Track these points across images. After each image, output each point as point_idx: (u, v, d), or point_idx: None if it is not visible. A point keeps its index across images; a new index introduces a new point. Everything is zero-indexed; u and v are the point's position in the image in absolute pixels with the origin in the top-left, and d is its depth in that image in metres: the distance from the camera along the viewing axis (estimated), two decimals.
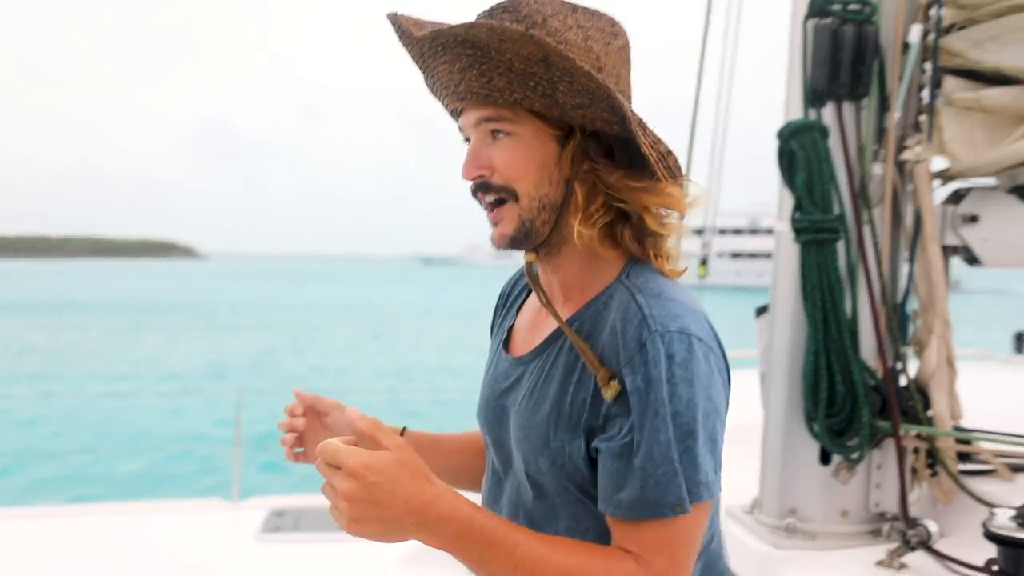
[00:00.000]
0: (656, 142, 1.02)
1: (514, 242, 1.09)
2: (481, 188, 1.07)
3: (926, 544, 1.65)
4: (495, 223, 1.09)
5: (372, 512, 0.92)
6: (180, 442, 12.85)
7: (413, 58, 1.12)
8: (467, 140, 1.11)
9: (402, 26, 1.07)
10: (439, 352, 27.42)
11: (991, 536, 1.40)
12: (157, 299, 58.04)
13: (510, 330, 1.25)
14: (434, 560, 3.75)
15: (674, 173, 1.04)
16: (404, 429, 1.20)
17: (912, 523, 1.71)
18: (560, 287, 1.13)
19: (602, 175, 1.05)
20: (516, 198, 1.06)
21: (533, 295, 1.24)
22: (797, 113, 1.89)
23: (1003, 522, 1.41)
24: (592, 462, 1.02)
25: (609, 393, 1.00)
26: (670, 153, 1.03)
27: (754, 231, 79.79)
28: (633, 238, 1.07)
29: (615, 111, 0.99)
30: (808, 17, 1.85)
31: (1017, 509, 1.42)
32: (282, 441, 1.29)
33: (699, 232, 4.09)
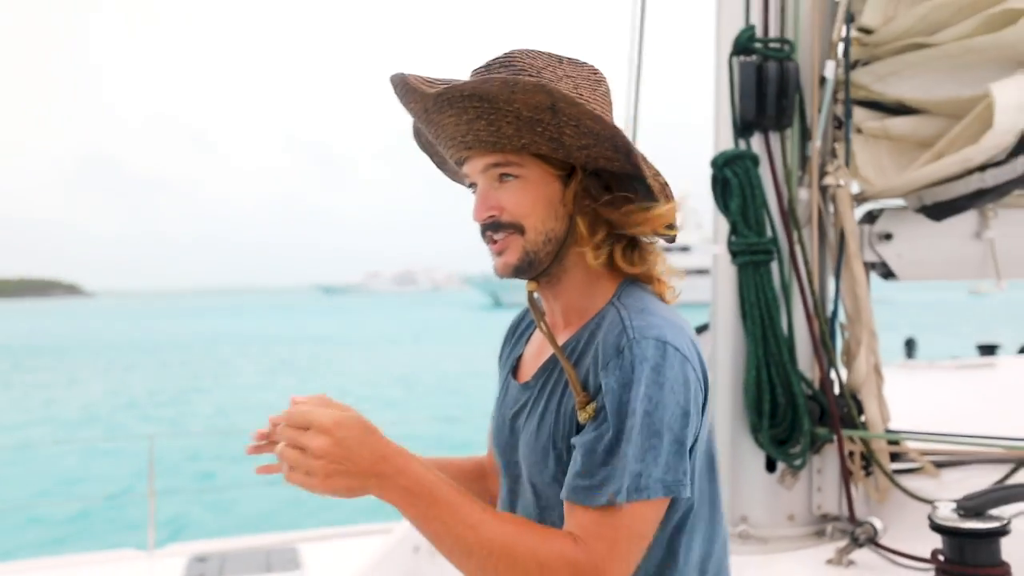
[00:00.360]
0: (656, 174, 1.13)
1: (517, 271, 1.18)
2: (491, 228, 1.17)
3: (873, 540, 1.78)
4: (499, 253, 1.18)
5: (343, 466, 1.00)
6: (89, 492, 12.24)
7: (416, 113, 1.20)
8: (470, 186, 1.21)
9: (411, 84, 1.14)
10: (359, 382, 26.96)
11: (936, 528, 1.53)
12: (45, 340, 54.75)
13: (519, 359, 1.33)
14: None
15: (670, 200, 1.14)
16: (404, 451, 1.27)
17: (858, 522, 1.84)
18: (562, 313, 1.22)
19: (601, 208, 1.15)
20: (523, 232, 1.16)
21: (537, 331, 1.33)
22: (728, 143, 2.02)
23: (946, 514, 1.54)
24: None
25: (583, 416, 1.09)
26: (667, 184, 1.14)
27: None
28: (627, 262, 1.17)
29: (620, 149, 1.10)
30: (733, 54, 1.99)
31: (958, 502, 1.56)
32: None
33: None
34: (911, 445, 2.04)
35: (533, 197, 1.15)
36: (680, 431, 1.04)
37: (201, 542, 4.57)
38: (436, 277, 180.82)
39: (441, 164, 1.36)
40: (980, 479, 1.94)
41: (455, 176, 1.34)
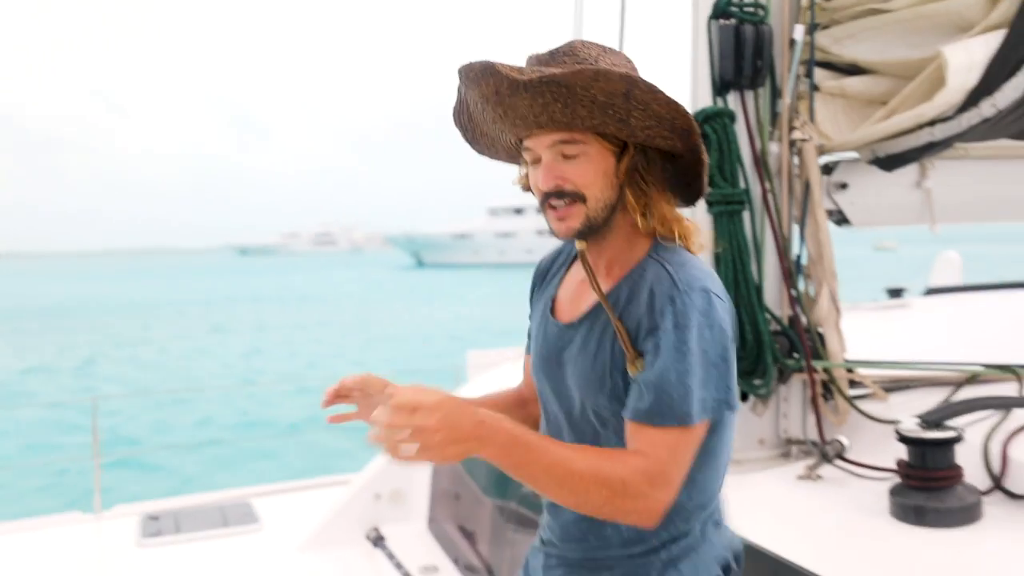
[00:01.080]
0: (705, 156, 1.33)
1: (580, 234, 1.36)
2: (556, 195, 1.34)
3: (841, 455, 2.01)
4: (561, 219, 1.35)
5: (452, 435, 1.17)
6: (26, 457, 11.83)
7: (484, 95, 1.35)
8: (530, 162, 1.38)
9: (496, 69, 1.29)
10: (283, 343, 26.57)
11: (903, 439, 1.76)
12: None
13: (553, 300, 1.48)
14: (334, 542, 3.83)
15: (704, 181, 1.36)
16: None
17: (826, 441, 2.06)
18: (605, 266, 1.40)
19: (646, 180, 1.34)
20: (585, 201, 1.34)
21: (572, 271, 1.50)
22: (706, 100, 2.18)
23: (911, 427, 1.77)
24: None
25: (633, 369, 1.29)
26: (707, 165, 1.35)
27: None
28: (661, 224, 1.36)
29: (677, 131, 1.29)
30: (712, 17, 2.14)
31: (920, 416, 1.79)
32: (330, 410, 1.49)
33: None
34: (863, 372, 2.28)
35: (594, 170, 1.33)
36: (728, 360, 1.27)
37: (149, 503, 4.54)
38: (356, 237, 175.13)
39: (473, 140, 1.52)
40: (923, 401, 2.19)
41: (487, 151, 1.52)
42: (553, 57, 1.31)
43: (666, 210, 1.35)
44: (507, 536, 3.20)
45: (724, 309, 1.29)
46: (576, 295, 1.45)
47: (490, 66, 1.28)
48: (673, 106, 1.26)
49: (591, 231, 1.35)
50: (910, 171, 2.36)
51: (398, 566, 3.51)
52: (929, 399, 2.20)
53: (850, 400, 2.17)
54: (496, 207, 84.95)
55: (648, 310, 1.28)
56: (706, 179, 1.36)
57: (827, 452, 2.02)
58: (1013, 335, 2.86)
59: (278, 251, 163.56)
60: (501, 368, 4.20)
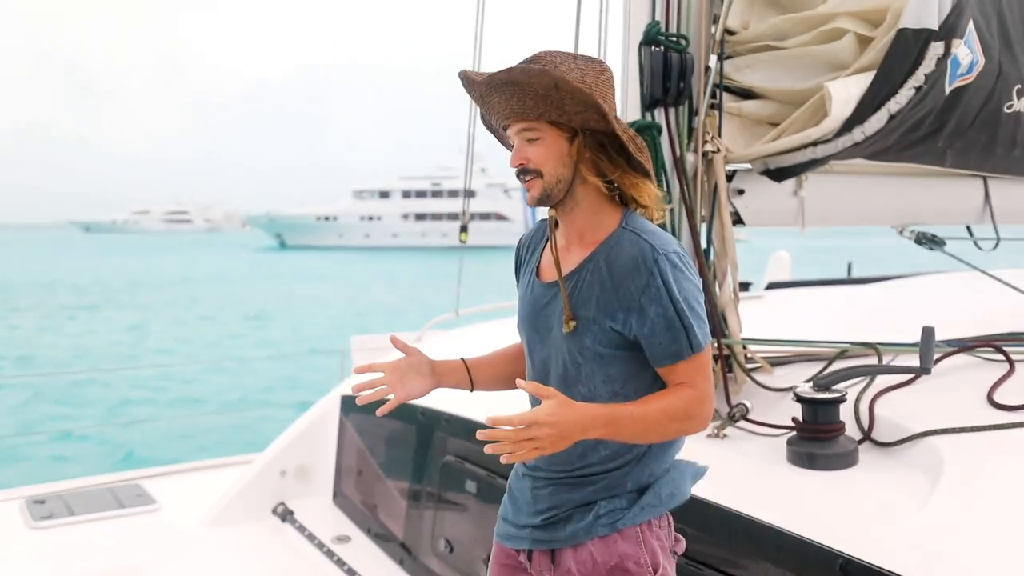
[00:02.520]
0: (627, 130, 1.68)
1: (540, 201, 1.71)
2: (522, 172, 1.70)
3: (745, 417, 2.42)
4: (528, 190, 1.71)
5: (563, 435, 1.52)
6: None
7: (476, 99, 1.75)
8: (509, 146, 1.75)
9: (469, 77, 1.70)
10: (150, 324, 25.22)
11: (799, 399, 2.18)
12: None
13: (538, 265, 1.83)
14: (240, 518, 3.95)
15: (641, 149, 1.69)
16: (462, 359, 1.90)
17: (732, 404, 2.47)
18: (577, 233, 1.75)
19: (598, 159, 1.68)
20: (542, 176, 1.69)
21: (551, 241, 1.82)
22: (636, 114, 2.53)
23: (806, 390, 2.20)
24: (616, 334, 1.66)
25: (567, 328, 1.68)
26: (637, 136, 1.70)
27: (436, 193, 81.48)
28: (628, 197, 1.72)
29: (599, 113, 1.63)
30: (643, 44, 2.49)
31: (813, 380, 2.22)
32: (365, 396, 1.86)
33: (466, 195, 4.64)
34: (752, 349, 2.72)
35: (547, 151, 1.68)
36: (702, 304, 1.68)
37: (29, 487, 4.40)
38: (213, 216, 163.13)
39: (502, 140, 1.88)
40: (800, 374, 2.65)
41: (505, 143, 1.85)
42: (521, 64, 1.65)
43: (626, 180, 1.69)
44: (408, 510, 3.45)
45: (691, 266, 1.68)
46: (558, 257, 1.78)
47: (465, 76, 1.71)
48: (586, 94, 1.60)
49: (550, 199, 1.70)
50: (789, 182, 2.82)
51: (310, 537, 3.67)
52: (805, 372, 2.67)
53: (747, 372, 2.59)
54: (361, 190, 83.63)
55: (635, 272, 1.63)
56: (636, 152, 1.68)
57: (734, 414, 2.42)
58: (852, 321, 3.43)
59: (127, 229, 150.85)
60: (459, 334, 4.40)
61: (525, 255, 1.91)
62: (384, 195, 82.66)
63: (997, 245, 3.13)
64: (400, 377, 1.85)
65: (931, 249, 3.11)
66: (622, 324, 1.65)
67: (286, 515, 3.88)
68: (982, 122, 2.82)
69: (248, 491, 3.97)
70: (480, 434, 1.50)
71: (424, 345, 4.39)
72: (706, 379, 1.67)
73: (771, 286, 5.81)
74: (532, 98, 1.63)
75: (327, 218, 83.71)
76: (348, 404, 4.04)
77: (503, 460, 1.52)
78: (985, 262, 3.29)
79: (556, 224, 1.80)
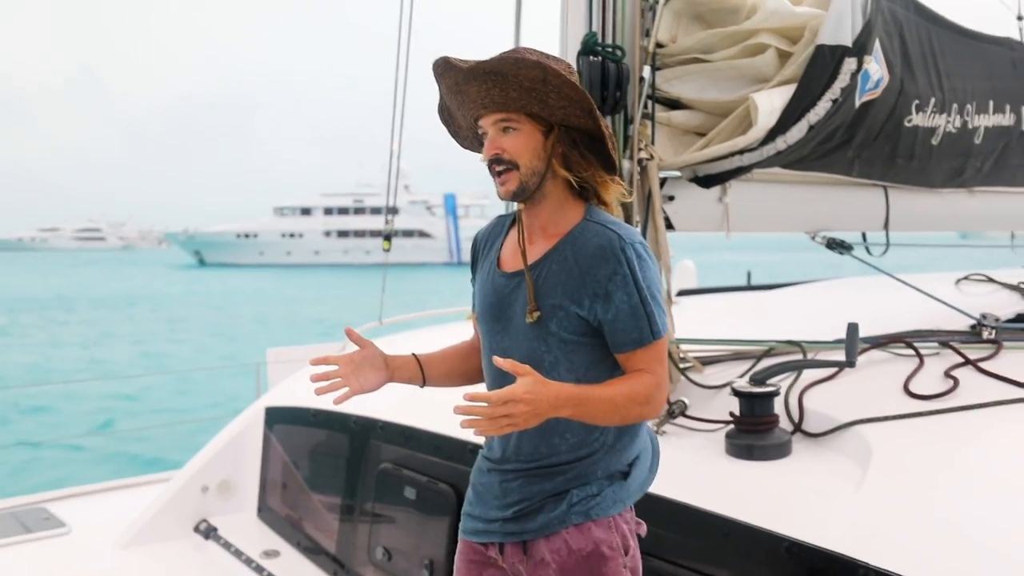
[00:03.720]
0: (608, 127, 1.75)
1: (515, 195, 1.76)
2: (496, 162, 1.74)
3: (684, 413, 2.52)
4: (503, 183, 1.75)
5: (536, 411, 1.56)
6: None
7: (448, 86, 1.75)
8: (483, 134, 1.76)
9: (451, 62, 1.69)
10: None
11: (737, 393, 2.29)
12: None
13: (498, 256, 1.88)
14: (160, 538, 3.82)
15: (615, 147, 1.78)
16: (413, 354, 1.92)
17: (670, 401, 2.56)
18: (540, 227, 1.81)
19: (570, 155, 1.75)
20: (518, 168, 1.73)
21: (511, 234, 1.88)
22: None
23: (743, 384, 2.31)
24: (582, 320, 1.72)
25: (530, 319, 1.74)
26: (613, 136, 1.79)
27: (359, 210, 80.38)
28: (591, 193, 1.79)
29: (585, 109, 1.70)
30: (580, 54, 2.57)
31: (750, 376, 2.33)
32: (321, 388, 1.82)
33: (388, 211, 4.62)
34: (684, 348, 2.83)
35: (524, 143, 1.72)
36: (661, 293, 1.78)
37: None
38: (127, 234, 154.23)
39: (456, 134, 1.89)
40: (731, 371, 2.78)
41: (466, 143, 1.89)
42: (499, 56, 1.69)
43: (596, 176, 1.76)
44: (341, 521, 3.41)
45: (653, 257, 1.78)
46: (518, 251, 1.82)
47: (447, 61, 1.70)
48: (577, 89, 1.67)
49: (524, 192, 1.74)
50: (715, 189, 2.95)
51: (237, 553, 3.58)
52: (734, 370, 2.79)
53: (682, 370, 2.70)
54: (282, 206, 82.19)
55: (602, 260, 1.70)
56: (613, 152, 1.77)
57: (673, 411, 2.52)
58: (768, 322, 3.61)
59: (35, 247, 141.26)
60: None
61: (483, 249, 1.95)
62: (306, 212, 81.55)
63: (886, 251, 3.37)
64: (355, 370, 1.84)
65: (841, 253, 3.31)
66: (588, 310, 1.71)
67: (209, 532, 3.76)
68: (886, 135, 3.04)
69: (167, 509, 3.83)
70: (456, 408, 1.53)
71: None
72: (663, 366, 1.75)
73: (681, 293, 6.03)
74: (516, 90, 1.66)
75: (247, 235, 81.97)
76: (272, 416, 3.96)
77: (476, 433, 1.56)
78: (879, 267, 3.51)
79: (521, 218, 1.83)
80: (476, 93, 1.70)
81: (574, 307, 1.71)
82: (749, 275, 8.10)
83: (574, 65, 2.59)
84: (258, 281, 56.69)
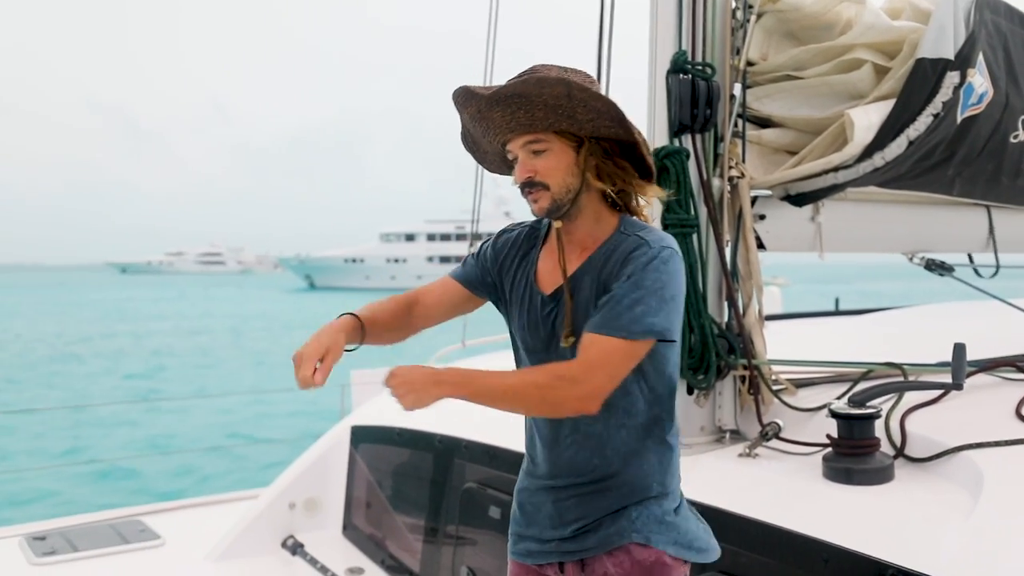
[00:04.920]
0: (640, 132, 1.70)
1: (549, 213, 1.73)
2: (528, 185, 1.71)
3: (778, 435, 2.45)
4: (535, 202, 1.72)
5: (411, 388, 1.56)
6: None
7: (471, 115, 1.74)
8: (513, 158, 1.75)
9: (472, 90, 1.69)
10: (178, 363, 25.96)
11: (835, 415, 2.21)
12: None
13: (535, 273, 1.83)
14: (248, 552, 3.89)
15: (649, 152, 1.73)
16: (351, 313, 1.83)
17: (764, 423, 2.50)
18: (578, 241, 1.77)
19: (604, 166, 1.71)
20: (548, 188, 1.70)
21: (547, 247, 1.85)
22: (663, 140, 2.59)
23: (841, 406, 2.23)
24: None
25: (564, 344, 1.71)
26: (647, 144, 1.73)
27: (460, 236, 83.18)
28: (624, 203, 1.76)
29: (614, 119, 1.65)
30: (670, 72, 2.56)
31: (849, 398, 2.26)
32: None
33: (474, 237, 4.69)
34: (776, 370, 2.76)
35: (556, 162, 1.69)
36: (679, 301, 1.67)
37: (28, 524, 4.31)
38: (245, 258, 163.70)
39: (482, 160, 1.89)
40: (825, 394, 2.69)
41: (493, 167, 1.89)
42: (518, 77, 1.66)
43: (634, 184, 1.73)
44: (425, 540, 3.42)
45: (680, 263, 1.69)
46: (554, 268, 1.81)
47: (467, 89, 1.69)
48: (604, 99, 1.62)
49: (558, 210, 1.71)
50: (807, 208, 2.89)
51: (323, 570, 3.62)
52: (828, 393, 2.71)
53: (775, 392, 2.63)
54: (388, 232, 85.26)
55: (621, 264, 1.66)
56: (648, 156, 1.71)
57: (767, 433, 2.45)
58: (863, 345, 3.49)
59: (162, 270, 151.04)
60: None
61: (512, 254, 1.89)
62: (410, 238, 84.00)
63: (996, 272, 3.22)
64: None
65: (941, 275, 3.19)
66: None
67: (296, 548, 3.82)
68: (989, 152, 2.92)
69: (256, 525, 3.91)
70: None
71: None
72: (608, 362, 1.61)
73: (768, 319, 5.88)
74: (542, 109, 1.64)
75: (355, 260, 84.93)
76: (358, 435, 4.02)
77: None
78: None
79: (547, 233, 1.84)
80: (501, 118, 1.68)
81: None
82: (837, 301, 7.87)
83: (663, 83, 2.59)
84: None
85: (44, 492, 11.04)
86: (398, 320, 1.89)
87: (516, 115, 1.65)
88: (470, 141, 1.85)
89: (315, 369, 1.62)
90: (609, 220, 1.75)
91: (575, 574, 1.79)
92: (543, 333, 1.78)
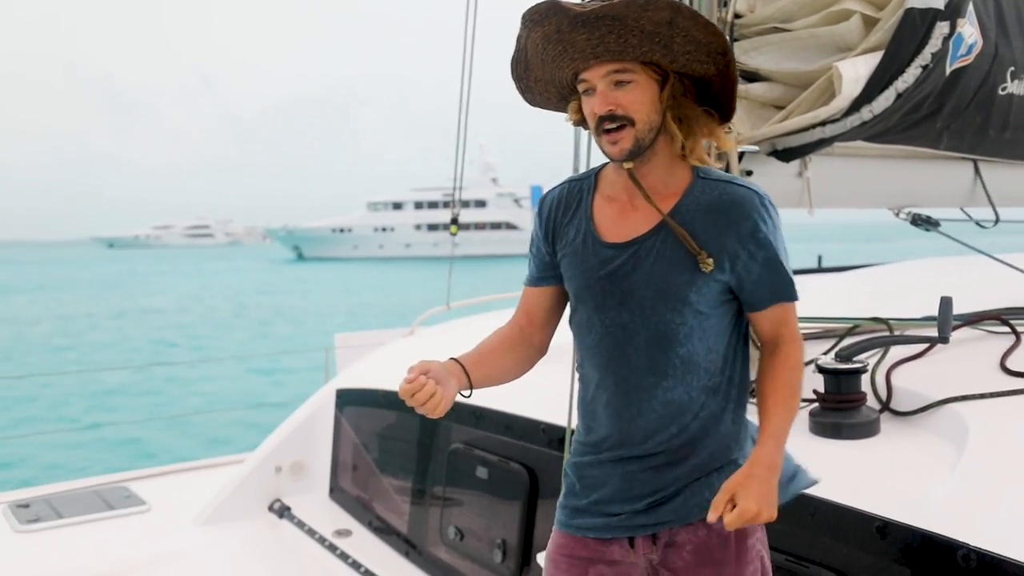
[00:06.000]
0: (737, 80, 1.60)
1: (631, 154, 1.59)
2: (608, 118, 1.56)
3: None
4: (615, 142, 1.58)
5: (769, 499, 1.49)
6: None
7: (547, 34, 1.54)
8: (583, 93, 1.60)
9: (561, 4, 1.49)
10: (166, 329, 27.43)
11: (821, 370, 2.20)
12: None
13: (594, 226, 1.69)
14: (235, 516, 3.89)
15: (734, 102, 1.63)
16: (454, 359, 1.71)
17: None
18: (650, 186, 1.64)
19: (685, 107, 1.61)
20: (634, 124, 1.56)
21: (598, 198, 1.71)
22: None
23: (828, 360, 2.22)
24: (719, 283, 1.63)
25: (705, 267, 1.59)
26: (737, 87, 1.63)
27: (448, 203, 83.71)
28: (696, 151, 1.65)
29: (714, 52, 1.54)
30: None
31: (835, 352, 2.25)
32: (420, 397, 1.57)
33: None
34: None
35: (642, 96, 1.56)
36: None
37: (12, 492, 4.28)
38: (234, 230, 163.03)
39: (527, 90, 1.72)
40: (813, 349, 2.67)
41: (540, 99, 1.73)
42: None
43: (706, 125, 1.63)
44: (412, 501, 3.42)
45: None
46: (620, 216, 1.67)
47: (556, 4, 1.49)
48: (711, 29, 1.51)
49: (640, 151, 1.58)
50: (794, 164, 2.85)
51: (310, 532, 3.62)
52: (815, 348, 2.70)
53: (760, 348, 2.61)
54: (375, 202, 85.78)
55: (742, 218, 1.59)
56: (734, 99, 1.61)
57: (754, 390, 2.43)
58: (849, 301, 3.49)
59: (150, 244, 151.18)
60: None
61: (560, 217, 1.74)
62: (397, 206, 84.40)
63: (997, 222, 3.20)
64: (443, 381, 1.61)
65: (927, 230, 3.18)
66: (729, 273, 1.61)
67: (283, 511, 3.82)
68: (977, 104, 2.89)
69: (242, 489, 3.91)
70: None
71: (415, 339, 4.36)
72: (796, 325, 1.72)
73: None
74: (636, 35, 1.48)
75: (342, 230, 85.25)
76: (343, 398, 4.00)
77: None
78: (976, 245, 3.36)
79: (594, 185, 1.72)
80: (586, 41, 1.50)
81: (716, 272, 1.59)
82: (820, 259, 7.88)
83: None
84: (350, 273, 59.70)
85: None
86: (495, 365, 1.75)
87: (605, 39, 1.49)
88: (522, 67, 1.66)
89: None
90: (683, 166, 1.64)
91: (645, 547, 1.68)
92: (617, 288, 1.63)
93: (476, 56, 4.27)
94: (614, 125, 1.56)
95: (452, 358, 1.69)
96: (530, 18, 1.54)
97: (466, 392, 1.67)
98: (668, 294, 1.61)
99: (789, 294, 1.65)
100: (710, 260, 1.59)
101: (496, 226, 77.82)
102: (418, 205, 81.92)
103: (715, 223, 1.60)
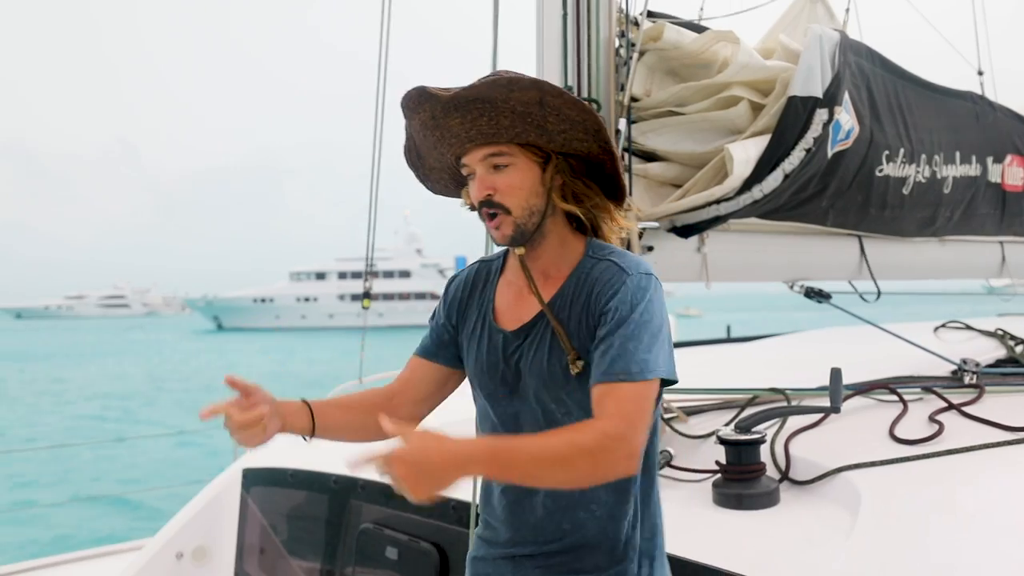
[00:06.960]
0: (620, 157, 1.61)
1: (514, 240, 1.55)
2: (487, 204, 1.52)
3: (670, 463, 2.48)
4: (496, 227, 1.54)
5: (424, 474, 1.25)
6: None
7: (423, 121, 1.53)
8: (468, 174, 1.56)
9: (429, 91, 1.49)
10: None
11: (722, 441, 2.26)
12: None
13: (493, 309, 1.65)
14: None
15: (622, 177, 1.60)
16: (304, 400, 1.64)
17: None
18: (541, 270, 1.59)
19: (573, 185, 1.57)
20: (509, 212, 1.51)
21: (503, 281, 1.67)
22: None
23: (728, 432, 2.28)
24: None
25: (574, 369, 1.50)
26: (623, 163, 1.62)
27: (372, 274, 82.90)
28: (591, 226, 1.61)
29: (590, 130, 1.50)
30: None
31: (735, 424, 2.31)
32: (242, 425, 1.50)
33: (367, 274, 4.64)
34: (667, 398, 2.81)
35: (521, 179, 1.51)
36: (667, 333, 1.50)
37: None
38: (151, 300, 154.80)
39: (425, 178, 1.71)
40: (715, 420, 2.75)
41: (439, 187, 1.70)
42: (484, 79, 1.47)
43: (604, 206, 1.57)
44: None
45: (661, 290, 1.54)
46: (516, 302, 1.62)
47: (424, 90, 1.48)
48: (580, 106, 1.46)
49: (524, 236, 1.53)
50: (693, 240, 2.97)
51: None
52: (718, 419, 2.77)
53: (666, 421, 2.67)
54: (298, 271, 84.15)
55: (600, 294, 1.48)
56: (622, 175, 1.56)
57: (659, 461, 2.48)
58: (751, 372, 3.60)
59: (60, 315, 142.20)
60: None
61: (464, 298, 1.71)
62: (320, 276, 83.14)
63: (879, 296, 3.39)
64: (271, 413, 1.52)
65: (819, 302, 3.33)
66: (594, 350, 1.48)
67: None
68: (858, 184, 3.09)
69: None
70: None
71: None
72: (638, 410, 1.41)
73: None
74: (508, 117, 1.45)
75: (264, 300, 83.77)
76: (250, 478, 3.87)
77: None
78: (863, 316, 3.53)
79: (501, 268, 1.68)
80: (459, 126, 1.48)
81: (586, 355, 1.50)
82: (729, 329, 8.14)
83: None
84: (269, 343, 58.19)
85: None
86: (351, 416, 1.65)
87: (477, 123, 1.46)
88: (414, 155, 1.63)
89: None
90: (575, 244, 1.57)
91: None
92: (508, 376, 1.57)
93: (396, 125, 4.33)
94: (492, 211, 1.53)
95: (303, 399, 1.63)
96: (406, 106, 1.53)
97: (307, 436, 1.60)
98: (550, 383, 1.55)
99: (627, 372, 1.42)
100: (580, 363, 1.50)
101: (420, 296, 77.36)
102: (342, 275, 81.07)
103: (585, 304, 1.52)
